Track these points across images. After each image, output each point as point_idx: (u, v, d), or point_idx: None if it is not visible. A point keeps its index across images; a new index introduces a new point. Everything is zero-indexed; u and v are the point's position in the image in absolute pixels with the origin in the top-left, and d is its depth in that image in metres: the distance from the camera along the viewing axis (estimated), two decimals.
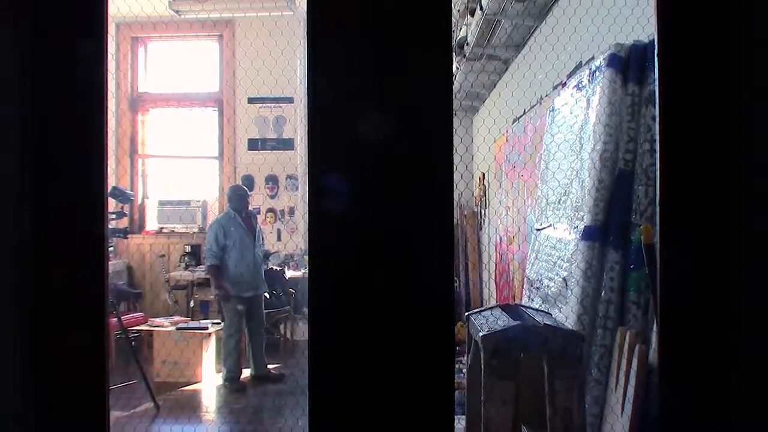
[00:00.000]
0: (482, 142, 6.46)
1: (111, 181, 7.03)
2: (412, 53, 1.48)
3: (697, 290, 1.45)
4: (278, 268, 6.92)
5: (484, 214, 6.68)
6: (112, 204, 5.68)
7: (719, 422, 1.45)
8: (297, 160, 7.43)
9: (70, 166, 1.50)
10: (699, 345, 1.46)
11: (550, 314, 2.34)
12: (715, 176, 1.45)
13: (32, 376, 1.49)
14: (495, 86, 6.11)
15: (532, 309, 2.33)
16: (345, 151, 1.48)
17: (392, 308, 1.45)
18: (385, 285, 1.45)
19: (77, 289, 1.50)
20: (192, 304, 7.00)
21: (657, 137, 1.49)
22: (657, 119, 1.49)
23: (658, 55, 1.51)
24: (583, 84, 2.92)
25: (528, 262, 3.63)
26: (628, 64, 2.58)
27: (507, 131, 5.37)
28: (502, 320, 1.94)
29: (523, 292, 3.64)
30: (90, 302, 1.51)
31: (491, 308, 2.17)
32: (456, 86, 6.26)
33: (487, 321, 1.95)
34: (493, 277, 6.00)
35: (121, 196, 5.25)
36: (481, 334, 1.83)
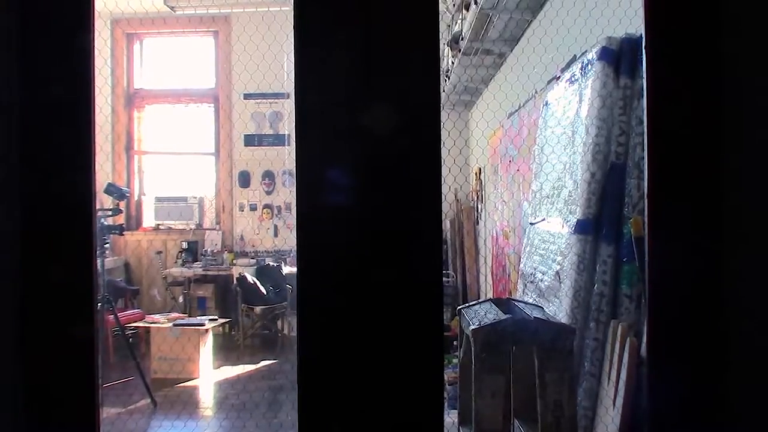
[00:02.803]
0: (479, 136, 6.46)
1: (107, 178, 7.03)
2: (399, 50, 1.48)
3: (685, 283, 1.45)
4: (275, 265, 6.94)
5: (481, 208, 6.68)
6: (108, 201, 5.69)
7: (708, 415, 1.45)
8: (293, 155, 7.42)
9: (58, 161, 1.49)
10: (688, 338, 1.46)
11: (542, 308, 2.34)
12: (704, 168, 1.45)
13: (22, 372, 1.49)
14: (492, 80, 6.10)
15: (523, 302, 2.34)
16: (332, 149, 1.48)
17: (380, 304, 1.45)
18: (373, 281, 1.45)
19: (67, 285, 1.50)
20: (181, 299, 7.01)
21: (645, 129, 1.49)
22: (645, 111, 1.49)
23: (645, 47, 1.51)
24: (576, 78, 2.92)
25: (522, 255, 3.63)
26: (619, 57, 2.58)
27: (502, 125, 5.36)
28: (492, 314, 1.94)
29: (518, 286, 3.64)
30: (80, 298, 1.51)
31: (483, 302, 2.18)
32: (453, 81, 6.26)
33: (478, 315, 1.95)
34: (490, 271, 6.01)
35: (117, 193, 5.25)
36: (471, 327, 1.84)
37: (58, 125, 1.49)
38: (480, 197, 6.71)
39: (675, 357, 1.47)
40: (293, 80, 1.47)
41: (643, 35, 1.51)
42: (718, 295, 1.44)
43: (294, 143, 1.55)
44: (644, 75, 1.50)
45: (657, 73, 1.48)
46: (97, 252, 4.92)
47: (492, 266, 5.89)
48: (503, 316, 1.88)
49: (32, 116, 1.47)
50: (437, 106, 1.49)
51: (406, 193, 1.46)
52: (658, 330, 1.49)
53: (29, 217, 1.48)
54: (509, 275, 4.89)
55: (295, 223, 1.48)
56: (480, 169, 6.67)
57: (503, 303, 2.19)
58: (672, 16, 1.47)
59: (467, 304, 2.16)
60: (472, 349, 1.83)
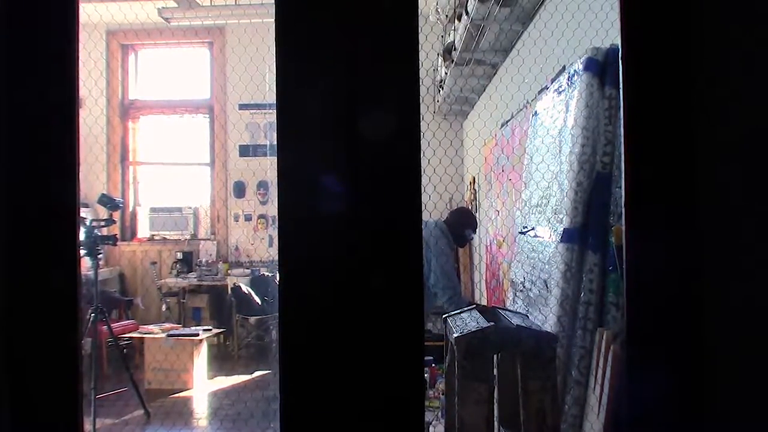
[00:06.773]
0: (473, 146, 6.49)
1: (102, 189, 7.05)
2: (381, 58, 1.50)
3: (662, 285, 1.46)
4: (270, 275, 6.95)
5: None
6: (102, 211, 5.70)
7: (689, 416, 1.46)
8: None
9: (43, 166, 1.50)
10: (667, 339, 1.47)
11: (526, 315, 2.35)
12: (679, 174, 1.47)
13: (6, 378, 1.49)
14: (485, 90, 6.14)
15: (508, 311, 2.35)
16: (314, 155, 1.50)
17: (360, 311, 1.46)
18: (354, 288, 1.47)
19: (51, 290, 1.50)
20: (164, 308, 7.03)
21: (622, 136, 1.51)
22: (622, 119, 1.52)
23: (622, 57, 1.53)
24: (563, 88, 2.94)
25: (512, 264, 3.65)
26: (605, 67, 2.60)
27: (495, 135, 5.39)
28: (475, 322, 1.95)
29: (509, 295, 3.66)
30: (65, 303, 1.52)
31: (467, 310, 2.19)
32: (446, 91, 6.30)
33: (461, 323, 1.96)
34: (485, 280, 6.01)
35: (110, 203, 5.26)
36: (454, 335, 1.85)
37: (43, 130, 1.50)
38: (474, 206, 6.72)
39: (654, 359, 1.48)
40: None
41: (620, 46, 1.54)
42: (697, 302, 1.46)
43: None
44: (620, 85, 1.53)
45: (633, 81, 1.51)
46: (91, 262, 4.94)
47: (486, 275, 5.90)
48: (486, 324, 1.89)
49: (17, 121, 1.49)
50: (417, 113, 1.50)
51: (386, 198, 1.48)
52: (636, 333, 1.51)
53: (14, 221, 1.49)
54: (503, 284, 4.90)
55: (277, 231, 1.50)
56: (474, 178, 6.70)
57: (488, 311, 2.21)
58: (647, 27, 1.50)
59: (451, 313, 2.18)
60: (456, 356, 1.84)
